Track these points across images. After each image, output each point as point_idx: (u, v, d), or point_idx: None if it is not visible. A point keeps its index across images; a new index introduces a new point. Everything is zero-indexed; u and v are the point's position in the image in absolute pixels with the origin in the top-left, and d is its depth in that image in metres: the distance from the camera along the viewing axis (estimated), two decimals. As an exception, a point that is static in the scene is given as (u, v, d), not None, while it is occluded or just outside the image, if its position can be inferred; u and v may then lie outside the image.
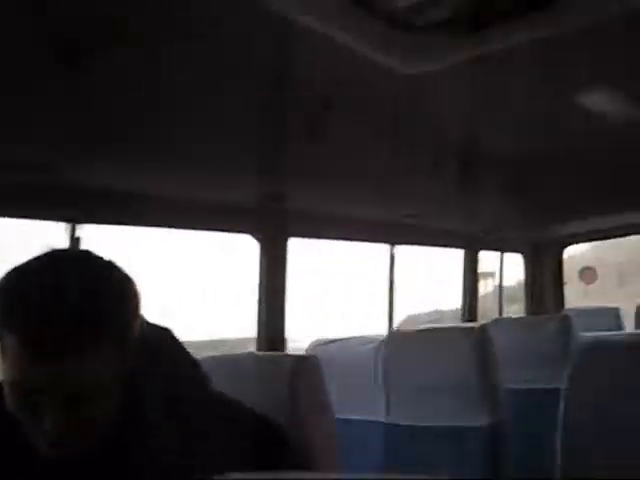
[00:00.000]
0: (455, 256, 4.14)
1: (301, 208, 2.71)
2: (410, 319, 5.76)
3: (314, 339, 2.70)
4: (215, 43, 1.65)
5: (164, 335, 1.25)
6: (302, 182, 2.45)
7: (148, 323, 1.19)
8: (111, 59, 1.53)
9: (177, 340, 1.26)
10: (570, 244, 4.76)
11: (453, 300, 4.34)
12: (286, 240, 2.72)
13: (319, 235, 3.01)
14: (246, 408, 1.26)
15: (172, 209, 2.27)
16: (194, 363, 1.26)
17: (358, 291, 4.69)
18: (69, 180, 1.98)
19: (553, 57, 1.83)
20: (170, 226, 2.41)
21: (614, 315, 5.06)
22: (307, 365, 1.55)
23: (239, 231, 2.67)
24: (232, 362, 1.60)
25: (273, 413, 1.41)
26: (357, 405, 2.55)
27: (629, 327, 4.77)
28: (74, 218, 2.13)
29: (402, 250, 3.59)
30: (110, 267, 1.11)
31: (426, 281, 5.30)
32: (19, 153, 1.74)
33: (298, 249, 2.82)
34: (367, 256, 3.77)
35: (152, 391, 1.14)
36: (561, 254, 4.72)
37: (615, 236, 4.99)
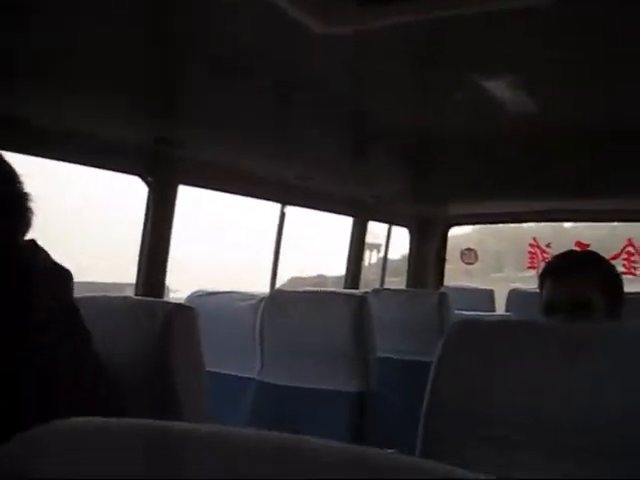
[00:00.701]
0: (344, 225, 4.19)
1: (195, 156, 2.64)
2: (293, 281, 5.78)
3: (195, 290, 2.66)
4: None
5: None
6: (198, 130, 2.38)
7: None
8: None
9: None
10: (456, 224, 4.91)
11: (338, 267, 4.39)
12: (176, 186, 2.64)
13: (210, 185, 2.95)
14: None
15: (66, 142, 2.15)
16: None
17: (245, 248, 4.66)
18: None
19: (453, 37, 1.83)
20: (62, 159, 2.27)
21: (488, 296, 5.26)
22: (183, 314, 1.51)
23: (129, 172, 2.57)
24: (106, 302, 1.54)
25: (143, 359, 1.38)
26: (231, 360, 2.54)
27: (500, 309, 4.98)
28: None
29: (293, 212, 3.58)
30: None
31: (313, 246, 5.33)
32: None
33: (190, 198, 2.75)
34: (258, 213, 3.74)
35: None
36: (446, 232, 4.87)
37: (499, 222, 5.20)
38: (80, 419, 0.50)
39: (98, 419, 0.49)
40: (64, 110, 2.06)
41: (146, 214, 2.59)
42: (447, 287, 4.61)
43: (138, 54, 1.71)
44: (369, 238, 4.35)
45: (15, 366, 1.10)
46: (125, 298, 1.68)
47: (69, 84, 1.85)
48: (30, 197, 1.25)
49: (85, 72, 1.80)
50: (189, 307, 1.57)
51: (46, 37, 1.57)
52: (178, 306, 1.55)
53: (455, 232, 5.09)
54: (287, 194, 3.39)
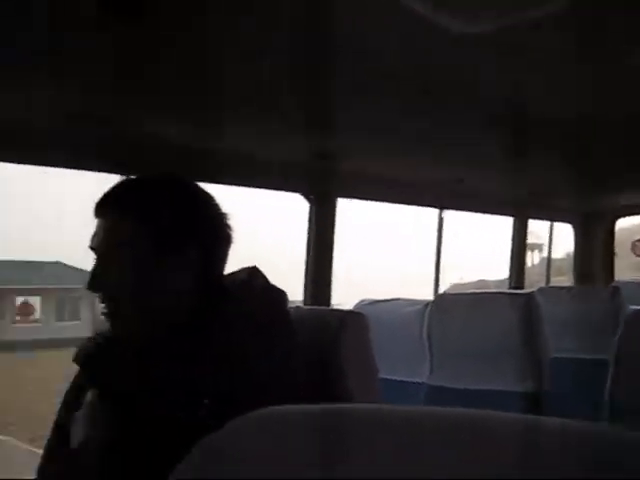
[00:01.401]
0: (503, 227, 4.10)
1: (351, 168, 2.71)
2: (455, 287, 5.73)
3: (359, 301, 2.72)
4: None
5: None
6: (354, 142, 2.44)
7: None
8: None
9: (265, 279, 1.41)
10: (623, 215, 4.65)
11: (499, 271, 4.30)
12: (335, 200, 2.72)
13: (369, 196, 3.01)
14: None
15: (227, 165, 2.28)
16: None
17: (405, 256, 4.69)
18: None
19: (601, 20, 1.77)
20: (225, 182, 2.42)
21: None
22: (354, 320, 1.56)
23: (290, 190, 2.68)
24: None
25: (317, 366, 1.45)
26: (400, 366, 2.58)
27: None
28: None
29: (451, 218, 3.56)
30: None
31: (473, 250, 5.26)
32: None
33: (347, 210, 2.82)
34: (415, 222, 3.76)
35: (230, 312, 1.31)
36: (613, 225, 4.63)
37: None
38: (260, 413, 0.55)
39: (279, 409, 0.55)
40: (226, 136, 2.20)
41: (309, 229, 2.69)
42: (618, 282, 4.39)
43: (296, 72, 1.79)
44: (529, 239, 4.23)
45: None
46: (297, 308, 1.77)
47: (230, 110, 1.97)
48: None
49: (243, 94, 1.90)
50: (359, 313, 1.62)
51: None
52: (350, 312, 1.60)
53: (622, 224, 4.82)
54: (444, 198, 3.38)
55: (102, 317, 1.39)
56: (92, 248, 1.38)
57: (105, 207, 1.38)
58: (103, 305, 1.37)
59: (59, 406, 1.53)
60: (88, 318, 29.64)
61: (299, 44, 1.59)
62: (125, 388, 1.35)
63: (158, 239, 1.34)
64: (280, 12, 1.39)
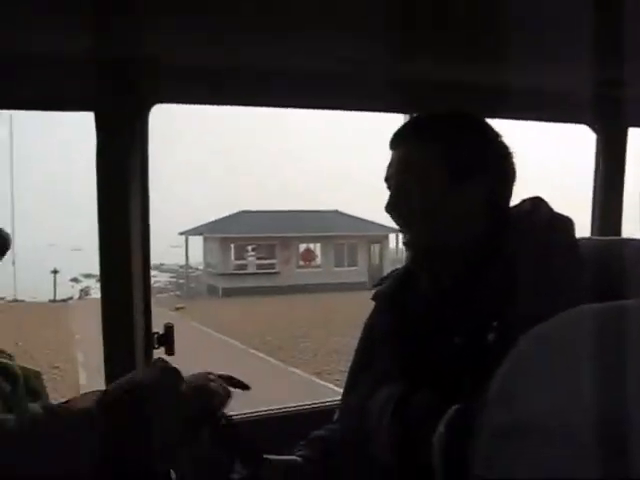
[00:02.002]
0: None
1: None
2: None
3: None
4: None
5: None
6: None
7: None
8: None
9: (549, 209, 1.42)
10: None
11: None
12: (624, 130, 2.55)
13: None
14: None
15: (514, 100, 2.25)
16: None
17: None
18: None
19: None
20: (512, 117, 2.38)
21: None
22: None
23: (576, 121, 2.56)
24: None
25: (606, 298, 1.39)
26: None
27: None
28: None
29: None
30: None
31: None
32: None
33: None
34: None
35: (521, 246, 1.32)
36: None
37: None
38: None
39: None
40: (515, 71, 2.16)
41: (596, 161, 2.56)
42: None
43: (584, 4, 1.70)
44: None
45: None
46: (588, 239, 1.70)
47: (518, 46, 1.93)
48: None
49: (534, 30, 1.85)
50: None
51: None
52: None
53: None
54: None
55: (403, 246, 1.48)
56: (386, 179, 1.47)
57: (401, 139, 1.47)
58: (402, 234, 1.47)
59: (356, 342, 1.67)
60: (364, 265, 31.13)
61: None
62: (419, 318, 1.43)
63: (451, 169, 1.39)
64: None
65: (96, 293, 35.37)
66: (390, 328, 1.49)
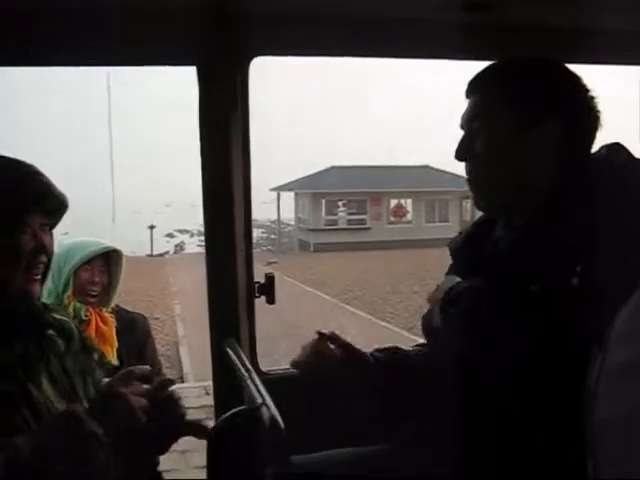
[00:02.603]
0: None
1: None
2: None
3: None
4: None
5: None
6: None
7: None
8: None
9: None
10: None
11: None
12: None
13: None
14: None
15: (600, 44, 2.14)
16: None
17: None
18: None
19: None
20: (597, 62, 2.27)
21: None
22: None
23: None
24: None
25: None
26: None
27: None
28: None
29: None
30: None
31: None
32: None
33: None
34: None
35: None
36: None
37: None
38: None
39: None
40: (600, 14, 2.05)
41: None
42: None
43: None
44: None
45: None
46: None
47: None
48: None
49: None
50: None
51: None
52: None
53: None
54: None
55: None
56: (461, 127, 1.50)
57: (472, 87, 1.50)
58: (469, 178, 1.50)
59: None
60: (457, 220, 30.72)
61: None
62: (490, 265, 1.42)
63: (518, 114, 1.41)
64: None
65: (191, 248, 36.55)
66: (462, 276, 1.49)
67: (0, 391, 1.26)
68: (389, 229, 31.00)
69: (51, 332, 1.45)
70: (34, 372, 1.36)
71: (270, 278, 2.08)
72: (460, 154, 1.48)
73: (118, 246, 2.65)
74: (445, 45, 2.09)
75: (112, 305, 2.63)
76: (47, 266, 1.43)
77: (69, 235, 2.69)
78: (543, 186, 1.39)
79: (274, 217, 34.62)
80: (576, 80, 1.45)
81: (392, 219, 31.90)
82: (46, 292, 2.48)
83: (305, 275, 21.05)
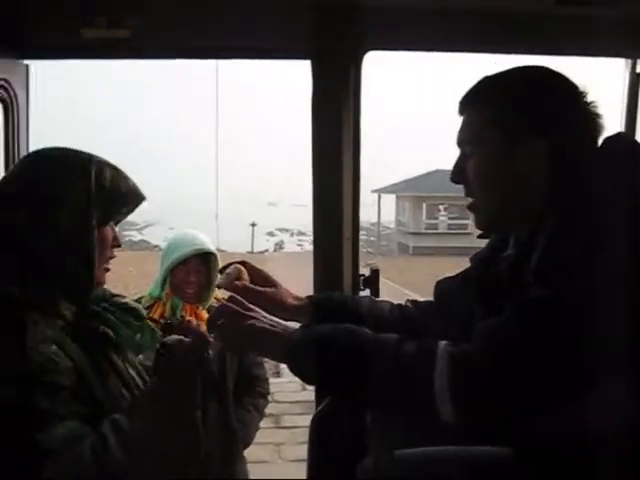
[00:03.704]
0: None
1: None
2: None
3: None
4: None
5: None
6: None
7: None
8: None
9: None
10: None
11: None
12: None
13: None
14: None
15: None
16: None
17: None
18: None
19: None
20: None
21: None
22: None
23: None
24: None
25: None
26: None
27: None
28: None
29: None
30: None
31: None
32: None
33: None
34: None
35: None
36: None
37: None
38: None
39: None
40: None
41: None
42: None
43: None
44: None
45: None
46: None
47: None
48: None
49: None
50: None
51: None
52: None
53: None
54: None
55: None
56: (458, 145, 1.44)
57: (462, 104, 1.44)
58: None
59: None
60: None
61: None
62: (500, 280, 1.39)
63: (504, 133, 1.35)
64: None
65: (290, 247, 37.03)
66: (474, 292, 1.48)
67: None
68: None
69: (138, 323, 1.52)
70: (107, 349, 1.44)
71: (375, 271, 2.09)
72: (455, 176, 1.44)
73: (220, 242, 2.69)
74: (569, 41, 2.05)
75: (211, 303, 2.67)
76: None
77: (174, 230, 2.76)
78: (538, 203, 1.33)
79: (374, 219, 34.60)
80: (567, 89, 1.37)
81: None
82: (153, 286, 2.62)
83: (403, 278, 20.92)
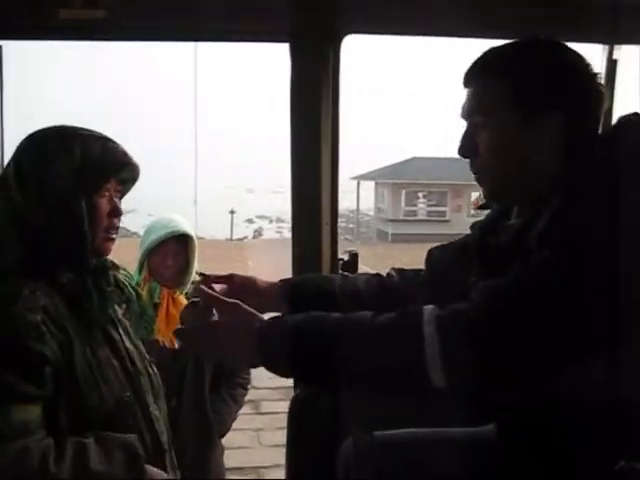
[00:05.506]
0: None
1: None
2: None
3: None
4: None
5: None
6: None
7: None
8: None
9: None
10: None
11: None
12: None
13: None
14: None
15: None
16: None
17: None
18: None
19: None
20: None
21: None
22: None
23: None
24: None
25: None
26: None
27: None
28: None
29: None
30: None
31: None
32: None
33: None
34: None
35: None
36: None
37: None
38: None
39: None
40: None
41: None
42: None
43: None
44: None
45: None
46: None
47: None
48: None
49: None
50: None
51: None
52: None
53: None
54: None
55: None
56: (466, 117, 1.42)
57: (469, 76, 1.41)
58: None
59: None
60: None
61: None
62: (502, 249, 1.39)
63: (521, 106, 1.33)
64: None
65: (269, 234, 36.95)
66: (473, 260, 1.47)
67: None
68: (469, 222, 30.34)
69: (111, 289, 1.55)
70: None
71: (354, 255, 2.09)
72: (463, 150, 1.41)
73: (199, 230, 2.67)
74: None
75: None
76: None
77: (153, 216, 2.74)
78: (549, 175, 1.33)
79: (353, 207, 34.60)
80: (578, 61, 1.37)
81: (473, 212, 31.38)
82: (134, 272, 2.59)
83: (382, 265, 20.93)
